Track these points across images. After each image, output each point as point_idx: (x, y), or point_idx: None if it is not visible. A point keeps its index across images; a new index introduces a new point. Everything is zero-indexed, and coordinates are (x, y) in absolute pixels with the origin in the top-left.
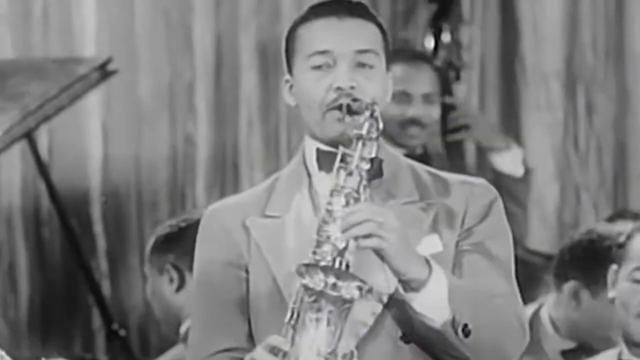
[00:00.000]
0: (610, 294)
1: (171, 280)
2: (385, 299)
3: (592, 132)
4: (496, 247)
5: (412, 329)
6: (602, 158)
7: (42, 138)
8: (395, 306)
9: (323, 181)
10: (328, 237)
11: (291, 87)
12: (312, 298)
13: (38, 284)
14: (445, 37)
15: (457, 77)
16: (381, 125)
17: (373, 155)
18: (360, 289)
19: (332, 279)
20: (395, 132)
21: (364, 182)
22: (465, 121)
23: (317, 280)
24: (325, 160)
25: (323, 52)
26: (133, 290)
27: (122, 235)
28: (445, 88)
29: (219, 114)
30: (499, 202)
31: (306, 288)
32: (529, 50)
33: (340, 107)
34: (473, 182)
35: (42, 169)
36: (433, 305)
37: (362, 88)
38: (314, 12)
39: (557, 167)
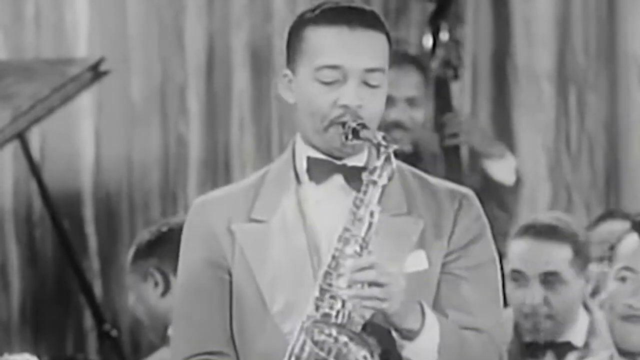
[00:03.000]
0: (603, 295)
1: (156, 284)
2: (367, 315)
3: (583, 132)
4: (482, 275)
5: (391, 349)
6: (593, 158)
7: (34, 139)
8: (374, 326)
9: (312, 191)
10: (330, 285)
11: (290, 82)
12: None
13: (30, 284)
14: (444, 36)
15: (455, 76)
16: (394, 166)
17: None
18: (365, 358)
19: (344, 338)
20: None
21: (373, 229)
22: (456, 129)
23: (327, 335)
24: (315, 170)
25: (333, 67)
26: (125, 291)
27: (114, 236)
28: (443, 87)
29: (210, 114)
30: (484, 219)
31: (315, 344)
32: (521, 51)
33: (344, 124)
34: (461, 192)
35: (34, 169)
36: (422, 353)
37: (368, 106)
38: (326, 17)
39: (548, 167)
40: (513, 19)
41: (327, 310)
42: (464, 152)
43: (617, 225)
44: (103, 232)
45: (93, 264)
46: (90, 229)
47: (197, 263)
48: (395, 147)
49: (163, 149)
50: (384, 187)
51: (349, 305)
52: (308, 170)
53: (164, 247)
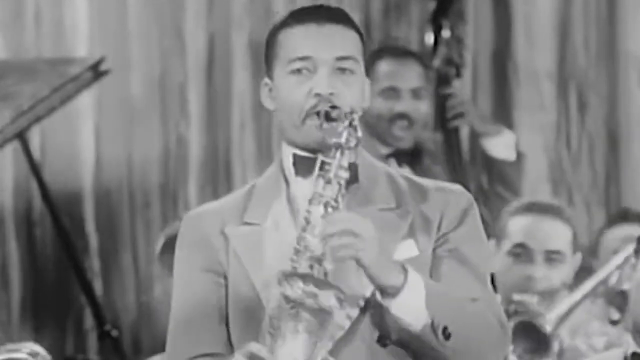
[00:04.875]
0: (625, 285)
1: None
2: (362, 303)
3: (584, 132)
4: (471, 252)
5: (389, 332)
6: (594, 158)
7: (34, 138)
8: (372, 309)
9: (300, 186)
10: (306, 247)
11: (270, 90)
12: (291, 307)
13: (30, 283)
14: (445, 34)
15: (458, 74)
16: (360, 134)
17: (353, 161)
18: (339, 298)
19: (310, 287)
20: (384, 129)
21: (343, 191)
22: (461, 109)
23: (296, 289)
24: (302, 166)
25: (303, 58)
26: (125, 291)
27: (114, 235)
28: (444, 85)
29: (211, 114)
30: (475, 209)
31: (285, 297)
32: (522, 50)
33: (319, 114)
34: (449, 188)
35: (35, 169)
36: (410, 309)
37: (341, 94)
38: (294, 18)
39: (549, 167)
40: (513, 18)
41: (304, 271)
42: (464, 137)
43: (631, 231)
44: (103, 232)
45: (93, 263)
46: (90, 228)
47: (192, 270)
48: (359, 113)
49: (163, 149)
50: (349, 148)
51: (325, 263)
52: (294, 165)
53: None
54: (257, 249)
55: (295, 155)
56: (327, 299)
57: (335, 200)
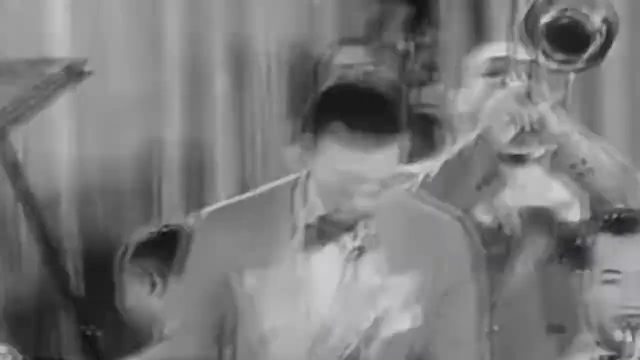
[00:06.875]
0: (584, 297)
1: (153, 285)
2: None
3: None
4: (459, 320)
5: None
6: None
7: (14, 139)
8: None
9: (318, 256)
10: None
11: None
12: None
13: (11, 285)
14: (422, 39)
15: (430, 79)
16: None
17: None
18: None
19: None
20: None
21: None
22: (433, 101)
23: None
24: (323, 232)
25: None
26: (106, 291)
27: (95, 236)
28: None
29: (192, 116)
30: (464, 238)
31: None
32: None
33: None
34: (442, 222)
35: (16, 169)
36: None
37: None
38: (344, 125)
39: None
40: (492, 23)
41: None
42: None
43: None
44: (84, 233)
45: (73, 264)
46: (70, 229)
47: (204, 275)
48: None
49: (143, 150)
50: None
51: None
52: (318, 226)
53: (161, 250)
54: (266, 293)
55: (320, 218)
56: None
57: None
